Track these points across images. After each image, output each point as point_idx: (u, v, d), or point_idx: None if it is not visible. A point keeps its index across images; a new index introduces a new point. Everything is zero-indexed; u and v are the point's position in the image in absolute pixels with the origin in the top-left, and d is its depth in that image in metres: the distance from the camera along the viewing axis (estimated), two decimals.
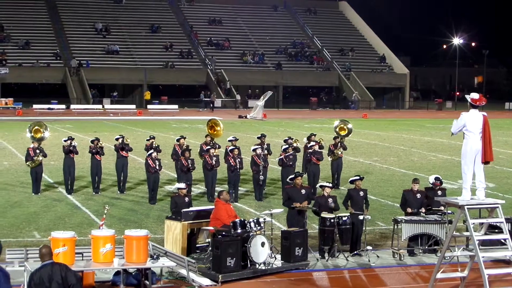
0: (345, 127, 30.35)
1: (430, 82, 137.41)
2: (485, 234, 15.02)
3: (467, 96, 14.85)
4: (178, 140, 28.09)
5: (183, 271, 15.76)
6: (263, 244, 16.76)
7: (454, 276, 15.22)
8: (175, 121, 64.63)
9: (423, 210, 19.06)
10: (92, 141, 27.09)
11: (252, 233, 16.80)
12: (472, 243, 14.51)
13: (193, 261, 15.99)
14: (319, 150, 27.24)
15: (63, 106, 73.94)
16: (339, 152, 28.54)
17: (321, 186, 19.51)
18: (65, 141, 27.01)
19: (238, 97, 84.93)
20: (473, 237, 14.27)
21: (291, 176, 19.78)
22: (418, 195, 19.31)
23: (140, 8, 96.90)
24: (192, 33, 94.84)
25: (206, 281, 15.87)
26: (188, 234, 18.03)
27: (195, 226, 18.25)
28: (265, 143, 27.96)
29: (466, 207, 14.32)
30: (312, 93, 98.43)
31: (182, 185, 19.56)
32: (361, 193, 19.19)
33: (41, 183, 26.87)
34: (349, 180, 20.12)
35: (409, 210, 19.09)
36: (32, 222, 21.66)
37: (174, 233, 17.90)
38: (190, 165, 25.06)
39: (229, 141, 27.48)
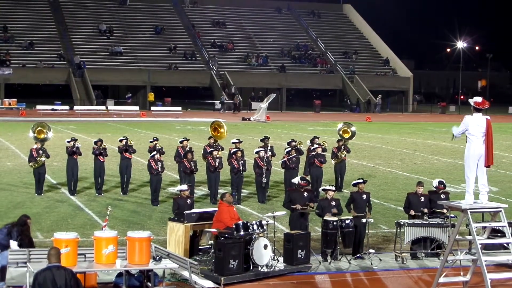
0: (348, 129, 30.32)
1: (433, 86, 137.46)
2: (488, 238, 15.03)
3: (470, 100, 14.86)
4: (181, 142, 28.10)
5: (186, 273, 15.75)
6: (265, 247, 16.76)
7: (456, 281, 15.21)
8: (178, 122, 64.65)
9: (426, 210, 19.08)
10: (96, 142, 27.10)
11: (254, 236, 16.80)
12: (475, 247, 14.51)
13: (196, 263, 15.97)
14: (322, 153, 27.21)
15: (67, 107, 73.98)
16: (343, 155, 28.52)
17: (324, 190, 19.52)
18: (68, 142, 27.02)
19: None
20: (475, 241, 14.27)
21: (295, 179, 19.76)
22: (422, 198, 19.33)
23: (144, 10, 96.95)
24: (196, 35, 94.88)
25: (208, 283, 15.86)
26: (190, 236, 18.04)
27: (198, 228, 18.27)
28: (269, 146, 27.95)
29: (469, 211, 14.33)
30: (315, 96, 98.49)
31: (184, 186, 19.57)
32: (364, 196, 19.20)
33: (44, 184, 26.90)
34: (352, 183, 20.13)
35: (412, 212, 19.11)
36: (35, 223, 21.59)
37: (176, 234, 17.90)
38: (193, 167, 25.05)
39: (232, 143, 27.47)
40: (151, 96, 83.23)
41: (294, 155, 26.58)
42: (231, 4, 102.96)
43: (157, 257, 14.96)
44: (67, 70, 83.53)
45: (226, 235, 16.87)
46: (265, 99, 71.91)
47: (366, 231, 18.86)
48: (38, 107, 72.35)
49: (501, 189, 29.49)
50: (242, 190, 26.55)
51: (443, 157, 40.44)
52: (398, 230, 18.73)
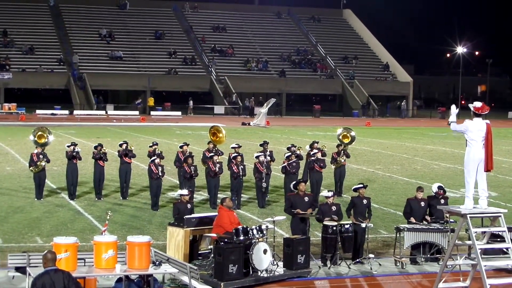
0: (348, 134, 30.33)
1: (433, 91, 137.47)
2: (487, 243, 15.02)
3: (470, 105, 14.87)
4: (181, 147, 28.10)
5: (185, 278, 15.73)
6: (265, 251, 16.76)
7: (456, 286, 15.19)
8: (178, 127, 64.66)
9: (428, 218, 19.09)
10: (95, 147, 27.10)
11: (254, 240, 16.80)
12: (474, 252, 14.51)
13: (195, 267, 15.95)
14: (321, 158, 27.21)
15: (66, 112, 73.98)
16: (342, 160, 28.52)
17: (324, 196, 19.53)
18: (68, 146, 27.02)
19: (246, 103, 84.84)
20: (475, 246, 14.27)
21: (294, 183, 19.77)
22: (422, 203, 19.35)
23: (144, 14, 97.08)
24: (196, 40, 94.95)
25: None
26: (190, 240, 18.03)
27: (198, 232, 18.26)
28: (268, 150, 27.94)
29: (468, 215, 14.32)
30: (315, 101, 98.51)
31: (185, 191, 19.56)
32: (365, 201, 19.21)
33: (44, 189, 26.89)
34: (353, 188, 20.13)
35: (412, 220, 19.10)
36: (34, 228, 21.67)
37: (176, 239, 17.90)
38: (193, 172, 25.04)
39: (232, 148, 27.48)
40: (151, 101, 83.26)
41: (294, 160, 26.58)
42: (231, 9, 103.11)
43: (157, 262, 14.93)
44: (67, 74, 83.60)
45: (226, 240, 16.86)
46: (265, 104, 71.96)
47: (366, 236, 18.86)
48: (37, 111, 72.34)
49: (500, 194, 29.49)
50: (242, 195, 26.54)
51: (442, 162, 40.43)
52: (398, 235, 18.73)
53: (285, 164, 26.54)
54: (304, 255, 17.38)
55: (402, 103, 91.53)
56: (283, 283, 16.86)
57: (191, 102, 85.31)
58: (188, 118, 76.75)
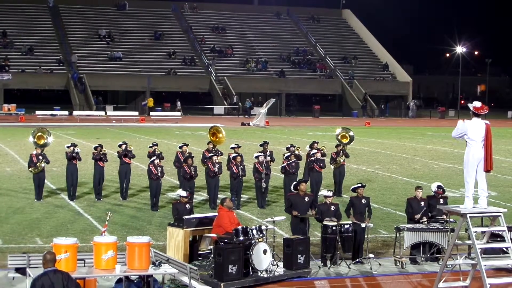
0: (347, 134, 30.34)
1: (432, 91, 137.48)
2: (487, 242, 15.02)
3: (469, 105, 14.87)
4: (180, 147, 28.09)
5: (185, 279, 15.72)
6: (265, 252, 16.76)
7: (456, 285, 15.20)
8: (177, 128, 64.64)
9: (424, 219, 19.08)
10: (95, 148, 27.10)
11: (254, 241, 16.80)
12: (474, 252, 14.51)
13: (195, 268, 15.95)
14: (321, 158, 27.22)
15: (66, 113, 73.96)
16: (341, 160, 28.53)
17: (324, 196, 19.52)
18: (68, 147, 27.01)
19: (250, 103, 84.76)
20: (475, 245, 14.27)
21: (294, 183, 19.76)
22: (422, 203, 19.36)
23: (144, 15, 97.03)
24: (195, 40, 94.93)
25: None
26: (190, 241, 18.03)
27: (198, 233, 18.26)
28: (268, 151, 27.94)
29: (468, 215, 14.32)
30: (315, 101, 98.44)
31: (184, 193, 19.53)
32: (364, 201, 19.21)
33: (43, 189, 26.88)
34: (351, 188, 20.12)
35: (417, 216, 19.10)
36: (34, 228, 21.67)
37: (176, 240, 17.90)
38: (193, 172, 25.03)
39: (231, 148, 27.47)
40: (150, 102, 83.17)
41: (293, 160, 26.59)
42: (230, 9, 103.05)
43: (157, 263, 14.93)
44: (66, 75, 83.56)
45: (226, 240, 16.87)
46: (265, 104, 71.96)
47: (366, 236, 18.87)
48: (37, 112, 72.37)
49: (500, 193, 29.50)
50: (242, 195, 26.54)
51: (442, 162, 40.43)
52: (398, 234, 18.74)
53: (285, 164, 26.55)
54: (304, 255, 17.38)
55: (411, 103, 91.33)
56: (283, 283, 16.86)
57: (178, 103, 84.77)
58: (188, 119, 76.70)
